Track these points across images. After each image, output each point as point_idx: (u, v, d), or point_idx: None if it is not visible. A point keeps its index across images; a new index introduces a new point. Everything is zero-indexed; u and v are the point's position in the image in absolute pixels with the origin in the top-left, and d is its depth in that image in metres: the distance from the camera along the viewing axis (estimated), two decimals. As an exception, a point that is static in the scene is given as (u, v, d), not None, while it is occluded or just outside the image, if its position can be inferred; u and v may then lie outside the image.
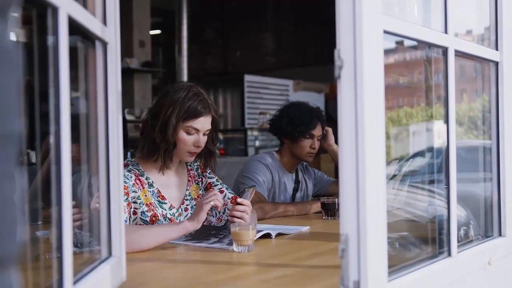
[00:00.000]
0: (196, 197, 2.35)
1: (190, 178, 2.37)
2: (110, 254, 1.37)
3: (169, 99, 2.17)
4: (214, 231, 2.11)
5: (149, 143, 2.19)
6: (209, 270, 1.68)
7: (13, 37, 0.61)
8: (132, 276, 1.48)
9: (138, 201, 2.14)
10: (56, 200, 1.01)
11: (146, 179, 2.21)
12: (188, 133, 2.18)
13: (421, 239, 1.72)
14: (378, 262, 1.19)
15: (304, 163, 3.19)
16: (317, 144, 3.02)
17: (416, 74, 2.06)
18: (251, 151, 7.43)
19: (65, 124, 1.02)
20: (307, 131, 2.98)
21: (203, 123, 2.19)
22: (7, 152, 0.59)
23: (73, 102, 1.11)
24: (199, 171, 2.41)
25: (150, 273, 1.66)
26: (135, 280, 1.50)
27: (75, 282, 1.09)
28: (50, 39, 1.02)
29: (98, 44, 1.34)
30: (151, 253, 1.88)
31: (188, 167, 2.39)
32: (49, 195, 1.06)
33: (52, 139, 1.02)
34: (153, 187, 2.21)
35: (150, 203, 2.17)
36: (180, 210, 2.27)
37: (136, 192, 2.13)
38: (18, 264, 0.62)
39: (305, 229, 2.35)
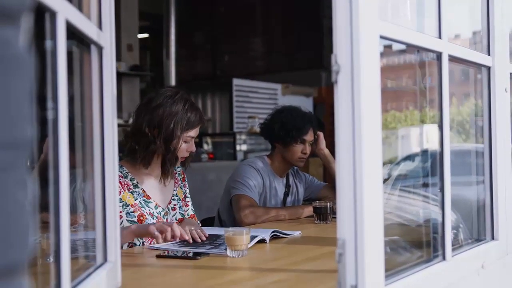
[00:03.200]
0: (182, 198, 2.44)
1: (176, 180, 2.45)
2: (105, 259, 1.36)
3: (168, 111, 2.23)
4: (208, 241, 2.10)
5: (151, 154, 2.24)
6: (204, 275, 1.67)
7: (24, 43, 0.61)
8: (127, 282, 1.47)
9: (120, 203, 2.17)
10: (54, 206, 1.00)
11: (131, 180, 2.26)
12: (185, 141, 2.29)
13: (415, 243, 1.72)
14: (376, 266, 1.20)
15: (295, 167, 3.19)
16: (308, 149, 3.02)
17: (405, 78, 2.07)
18: (240, 155, 7.42)
19: (63, 128, 1.01)
20: (299, 136, 2.98)
21: (198, 130, 2.33)
22: (18, 158, 0.58)
23: (68, 107, 1.11)
24: (181, 177, 2.50)
25: (145, 278, 1.65)
26: (130, 286, 1.49)
27: (72, 288, 1.08)
28: (47, 44, 1.01)
29: (93, 49, 1.33)
30: (145, 259, 1.88)
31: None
32: (41, 200, 1.05)
33: (50, 144, 1.01)
34: (138, 187, 2.27)
35: (135, 204, 2.22)
36: (167, 209, 2.34)
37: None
38: (29, 271, 0.61)
39: (297, 233, 2.35)
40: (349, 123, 1.17)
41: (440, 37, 1.52)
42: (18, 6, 0.58)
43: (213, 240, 2.12)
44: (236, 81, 8.18)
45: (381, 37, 1.25)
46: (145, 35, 9.95)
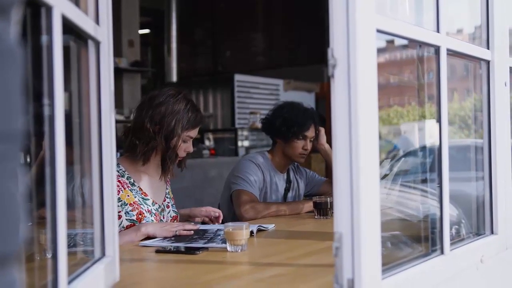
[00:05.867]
0: (172, 197, 2.48)
1: (168, 180, 2.49)
2: (103, 254, 1.36)
3: (170, 109, 2.26)
4: (196, 236, 2.11)
5: (151, 150, 2.27)
6: (203, 270, 1.67)
7: (15, 36, 0.61)
8: (125, 276, 1.47)
9: (119, 203, 2.19)
10: (51, 201, 1.01)
11: (127, 178, 2.29)
12: (184, 141, 2.31)
13: (414, 238, 1.72)
14: (372, 259, 1.20)
15: (296, 162, 3.19)
16: (309, 146, 3.02)
17: (407, 73, 2.07)
18: (241, 151, 7.42)
19: (59, 124, 1.01)
20: (300, 132, 2.98)
21: (197, 131, 2.37)
22: (11, 150, 0.59)
23: (65, 102, 1.11)
24: (169, 177, 2.53)
25: (143, 273, 1.65)
26: (128, 280, 1.50)
27: (69, 282, 1.08)
28: (43, 38, 1.01)
29: (90, 44, 1.33)
30: (144, 253, 1.88)
31: None
32: (40, 196, 1.05)
33: (46, 140, 1.01)
34: (135, 185, 2.30)
35: (133, 202, 2.25)
36: (162, 206, 2.38)
37: (117, 195, 2.16)
38: (20, 262, 0.62)
39: (271, 226, 2.37)
40: (346, 117, 1.17)
41: (438, 31, 1.52)
42: (7, 0, 0.59)
43: (202, 234, 2.13)
44: (237, 77, 8.17)
45: (378, 31, 1.24)
46: (146, 31, 9.95)
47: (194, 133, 2.34)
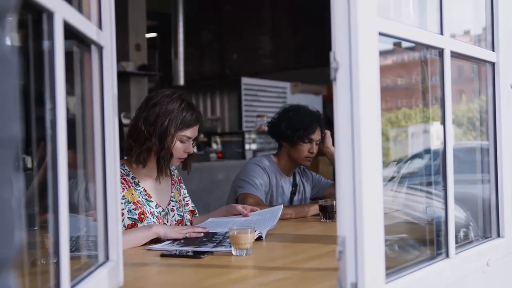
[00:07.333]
0: (178, 200, 2.47)
1: (173, 182, 2.48)
2: (107, 258, 1.37)
3: (164, 109, 2.26)
4: (206, 239, 2.11)
5: (145, 151, 2.27)
6: (208, 274, 1.67)
7: (10, 42, 0.61)
8: (129, 280, 1.47)
9: (123, 200, 2.20)
10: (53, 205, 1.01)
11: (132, 178, 2.30)
12: (181, 141, 2.30)
13: (419, 241, 1.71)
14: (376, 263, 1.19)
15: (302, 166, 3.19)
16: (315, 149, 3.02)
17: (415, 75, 2.06)
18: (248, 154, 7.42)
19: (61, 128, 1.02)
20: (306, 135, 2.98)
21: (195, 131, 2.34)
22: (5, 156, 0.59)
23: (68, 107, 1.11)
24: (177, 179, 2.53)
25: (148, 277, 1.65)
26: (132, 284, 1.49)
27: (72, 287, 1.09)
28: (45, 44, 1.02)
29: (93, 48, 1.33)
30: (148, 257, 1.88)
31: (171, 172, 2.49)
32: (45, 201, 1.06)
33: (48, 144, 1.01)
34: (140, 186, 2.31)
35: (137, 201, 2.26)
36: (166, 209, 2.38)
37: (121, 192, 2.17)
38: (16, 268, 0.62)
39: (278, 207, 2.42)
40: (348, 120, 1.16)
41: (441, 33, 1.51)
42: (2, 7, 0.59)
43: (211, 237, 2.12)
44: (244, 80, 8.18)
45: (380, 34, 1.24)
46: (153, 34, 9.96)
47: (191, 133, 2.31)
